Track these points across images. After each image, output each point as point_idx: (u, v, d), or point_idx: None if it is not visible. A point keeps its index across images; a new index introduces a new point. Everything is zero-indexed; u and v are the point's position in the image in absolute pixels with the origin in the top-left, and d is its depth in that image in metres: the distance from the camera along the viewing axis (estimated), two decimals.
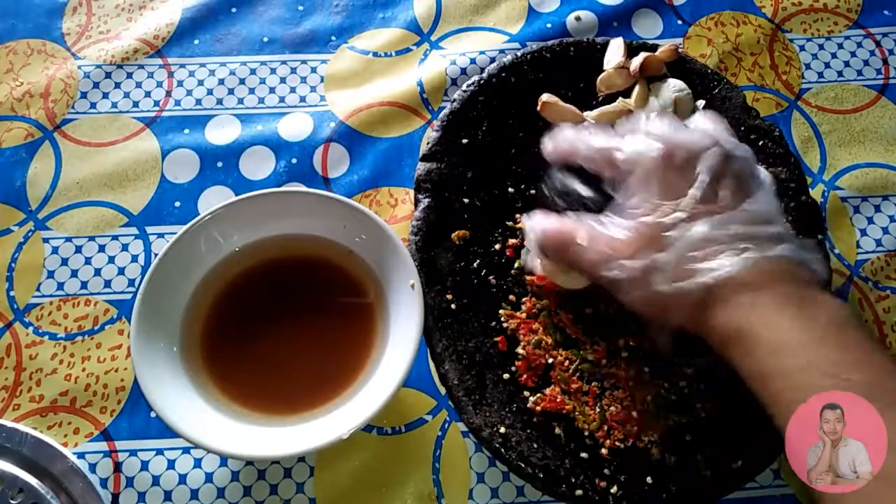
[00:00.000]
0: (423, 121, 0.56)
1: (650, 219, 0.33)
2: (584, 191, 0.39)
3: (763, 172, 0.36)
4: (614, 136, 0.37)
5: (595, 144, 0.37)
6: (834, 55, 0.59)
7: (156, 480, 0.44)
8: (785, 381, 0.30)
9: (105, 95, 0.56)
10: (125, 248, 0.51)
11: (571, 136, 0.39)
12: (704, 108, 0.49)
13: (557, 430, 0.41)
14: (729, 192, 0.33)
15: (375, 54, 0.59)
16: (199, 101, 0.56)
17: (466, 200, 0.47)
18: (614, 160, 0.36)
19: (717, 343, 0.33)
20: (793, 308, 0.31)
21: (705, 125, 0.38)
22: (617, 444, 0.40)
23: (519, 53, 0.51)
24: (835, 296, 0.32)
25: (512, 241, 0.46)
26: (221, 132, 0.55)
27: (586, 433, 0.41)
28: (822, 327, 0.31)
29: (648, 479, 0.39)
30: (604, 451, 0.40)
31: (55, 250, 0.50)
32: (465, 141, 0.48)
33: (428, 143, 0.48)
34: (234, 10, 0.60)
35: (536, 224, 0.39)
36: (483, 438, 0.40)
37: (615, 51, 0.51)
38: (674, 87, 0.49)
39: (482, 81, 0.50)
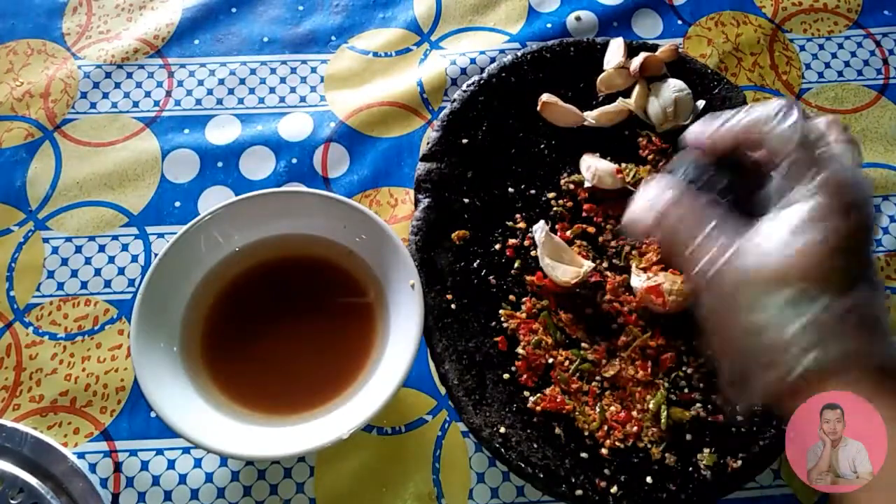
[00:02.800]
0: (423, 121, 0.56)
1: (810, 270, 0.30)
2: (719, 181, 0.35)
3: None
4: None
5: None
6: (834, 55, 0.59)
7: (156, 480, 0.44)
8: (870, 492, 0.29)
9: (105, 95, 0.56)
10: (125, 248, 0.51)
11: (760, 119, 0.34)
12: (704, 108, 0.49)
13: (557, 430, 0.41)
14: (858, 257, 0.31)
15: (375, 54, 0.59)
16: (199, 101, 0.56)
17: (466, 200, 0.47)
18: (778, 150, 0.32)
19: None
20: (884, 397, 0.29)
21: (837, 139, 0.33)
22: (617, 444, 0.40)
23: (519, 53, 0.51)
24: None
25: (512, 241, 0.46)
26: (221, 132, 0.55)
27: (586, 433, 0.41)
28: None
29: (648, 479, 0.39)
30: (604, 451, 0.40)
31: (55, 250, 0.50)
32: (465, 141, 0.48)
33: (428, 143, 0.48)
34: (234, 10, 0.60)
35: (661, 196, 0.34)
36: (483, 438, 0.40)
37: (615, 51, 0.51)
38: (674, 87, 0.49)
39: (482, 81, 0.50)
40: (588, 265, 0.43)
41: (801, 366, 0.29)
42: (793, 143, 0.32)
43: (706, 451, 0.40)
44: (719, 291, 0.32)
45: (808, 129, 0.32)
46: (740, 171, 0.35)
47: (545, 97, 0.48)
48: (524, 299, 0.44)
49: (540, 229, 0.44)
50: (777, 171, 0.33)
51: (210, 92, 0.57)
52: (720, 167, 0.36)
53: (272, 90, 0.57)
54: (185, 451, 0.45)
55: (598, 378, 0.42)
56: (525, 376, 0.42)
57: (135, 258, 0.50)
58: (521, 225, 0.46)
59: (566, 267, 0.43)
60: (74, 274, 0.50)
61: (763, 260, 0.30)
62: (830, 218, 0.30)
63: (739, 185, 0.35)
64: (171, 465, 0.44)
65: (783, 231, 0.31)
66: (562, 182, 0.48)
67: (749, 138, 0.34)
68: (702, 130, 0.36)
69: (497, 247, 0.46)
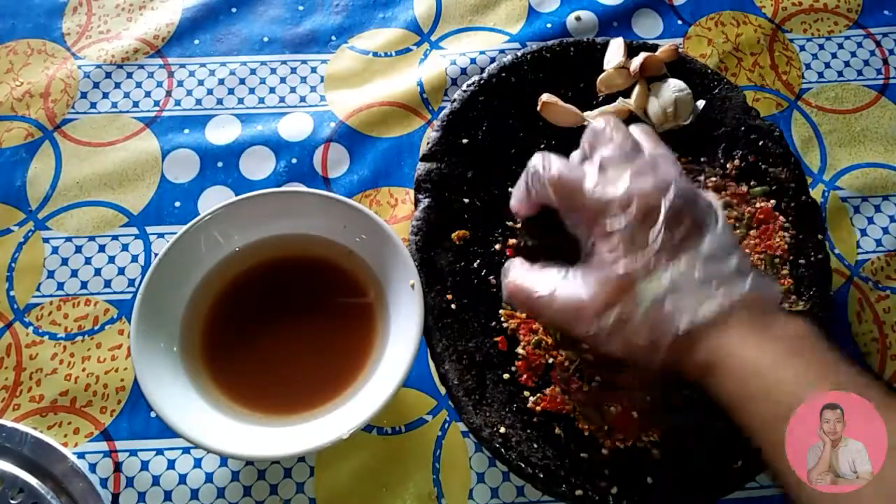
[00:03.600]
0: (423, 121, 0.56)
1: (616, 272, 0.34)
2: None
3: (711, 198, 0.37)
4: (564, 168, 0.37)
5: (550, 175, 0.37)
6: (834, 55, 0.59)
7: (156, 480, 0.44)
8: (756, 404, 0.32)
9: (105, 95, 0.56)
10: (125, 248, 0.51)
11: (525, 171, 0.39)
12: (705, 108, 0.49)
13: (557, 430, 0.41)
14: (686, 234, 0.34)
15: (375, 54, 0.59)
16: (199, 101, 0.56)
17: (466, 200, 0.47)
18: (569, 203, 0.36)
19: (696, 379, 0.34)
20: (756, 334, 0.32)
21: (648, 149, 0.37)
22: (617, 444, 0.40)
23: (519, 53, 0.51)
24: (794, 315, 0.34)
25: (512, 241, 0.46)
26: (221, 132, 0.55)
27: (586, 433, 0.41)
28: (785, 346, 0.32)
29: (648, 479, 0.39)
30: (604, 451, 0.40)
31: (55, 250, 0.50)
32: (465, 141, 0.48)
33: (428, 143, 0.48)
34: (234, 10, 0.60)
35: (508, 275, 0.39)
36: (483, 438, 0.40)
37: (615, 51, 0.51)
38: (674, 87, 0.49)
39: (482, 81, 0.50)
40: None
41: (674, 332, 0.33)
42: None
43: (706, 450, 0.40)
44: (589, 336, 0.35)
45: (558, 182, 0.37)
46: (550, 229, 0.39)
47: (545, 97, 0.48)
48: None
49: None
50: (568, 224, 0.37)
51: (210, 92, 0.57)
52: (534, 226, 0.41)
53: (272, 90, 0.57)
54: (185, 451, 0.45)
55: (597, 378, 0.42)
56: (525, 376, 0.42)
57: (135, 258, 0.50)
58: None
59: None
60: (74, 274, 0.50)
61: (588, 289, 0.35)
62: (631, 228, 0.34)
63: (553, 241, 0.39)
64: (171, 465, 0.44)
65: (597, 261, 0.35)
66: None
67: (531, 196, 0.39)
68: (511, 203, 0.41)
69: (497, 247, 0.46)
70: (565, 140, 0.49)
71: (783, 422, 0.30)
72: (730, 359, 0.32)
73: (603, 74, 0.50)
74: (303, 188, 0.52)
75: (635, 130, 0.39)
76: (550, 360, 0.42)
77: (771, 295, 0.34)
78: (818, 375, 0.31)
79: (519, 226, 0.46)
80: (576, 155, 0.40)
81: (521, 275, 0.38)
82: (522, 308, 0.40)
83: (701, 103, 0.49)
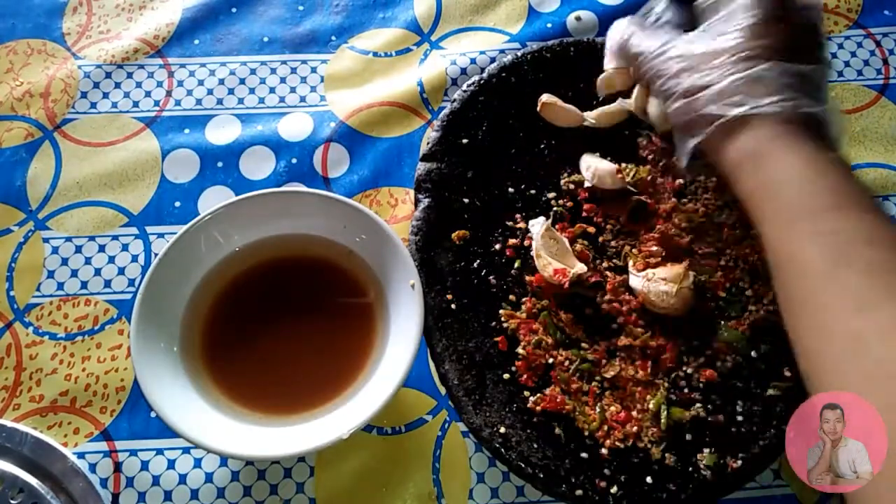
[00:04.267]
0: (423, 121, 0.56)
1: (724, 44, 0.36)
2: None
3: (826, 39, 0.40)
4: None
5: None
6: (834, 55, 0.59)
7: (156, 480, 0.44)
8: (776, 209, 0.34)
9: (105, 95, 0.56)
10: (125, 248, 0.51)
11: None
12: None
13: (557, 430, 0.41)
14: (800, 47, 0.36)
15: (375, 54, 0.59)
16: (199, 101, 0.56)
17: (466, 200, 0.47)
18: None
19: (728, 166, 0.36)
20: (805, 147, 0.34)
21: None
22: (617, 444, 0.40)
23: (519, 53, 0.51)
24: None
25: (512, 241, 0.46)
26: (221, 132, 0.55)
27: (586, 433, 0.41)
28: (820, 168, 0.34)
29: (648, 479, 0.39)
30: (604, 451, 0.40)
31: (55, 250, 0.50)
32: (465, 141, 0.48)
33: (428, 143, 0.48)
34: (234, 10, 0.60)
35: (616, 25, 0.43)
36: (483, 438, 0.40)
37: None
38: None
39: (482, 81, 0.50)
40: (580, 267, 0.43)
41: (732, 114, 0.35)
42: None
43: (706, 451, 0.40)
44: (670, 74, 0.39)
45: None
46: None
47: (545, 97, 0.48)
48: (524, 299, 0.44)
49: (539, 224, 0.44)
50: None
51: (210, 92, 0.57)
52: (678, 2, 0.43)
53: (272, 90, 0.57)
54: (185, 451, 0.45)
55: (598, 378, 0.42)
56: (525, 376, 0.42)
57: (135, 258, 0.50)
58: (521, 225, 0.46)
59: (558, 264, 0.43)
60: (74, 274, 0.50)
61: (708, 42, 0.38)
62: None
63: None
64: (171, 465, 0.44)
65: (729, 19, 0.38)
66: (562, 182, 0.48)
67: None
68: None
69: (497, 247, 0.46)
70: (565, 140, 0.49)
71: (797, 222, 0.33)
72: (769, 156, 0.34)
73: (602, 75, 0.50)
74: (303, 188, 0.52)
75: None
76: (550, 360, 0.42)
77: (828, 131, 0.36)
78: (832, 208, 0.33)
79: (520, 225, 0.46)
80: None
81: (635, 31, 0.42)
82: (620, 48, 0.43)
83: None
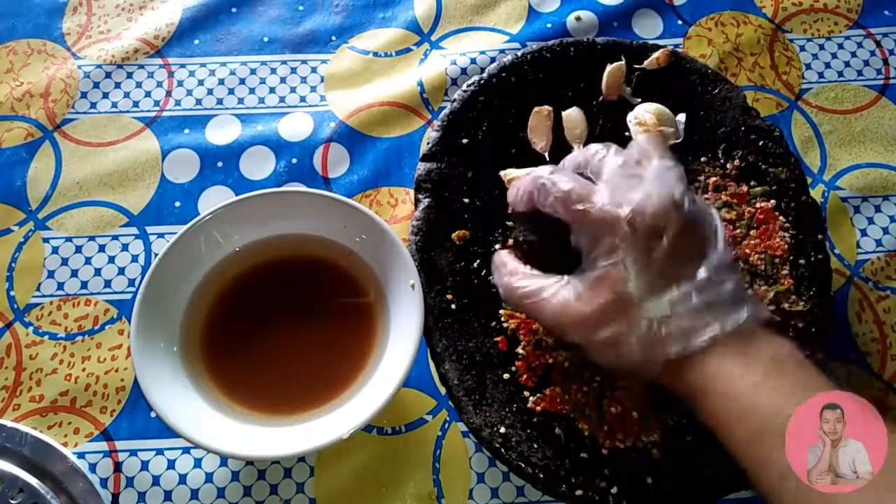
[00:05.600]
0: (423, 121, 0.56)
1: (617, 288, 0.34)
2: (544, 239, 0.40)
3: (713, 214, 0.37)
4: (574, 183, 0.37)
5: (560, 189, 0.37)
6: (834, 55, 0.59)
7: (156, 480, 0.44)
8: (738, 424, 0.32)
9: (105, 95, 0.56)
10: (125, 248, 0.51)
11: (533, 182, 0.39)
12: (704, 111, 0.49)
13: (557, 431, 0.41)
14: (688, 256, 0.35)
15: (375, 54, 0.59)
16: (199, 101, 0.56)
17: (466, 200, 0.47)
18: (578, 216, 0.36)
19: (685, 398, 0.35)
20: (741, 358, 0.33)
21: (655, 160, 0.37)
22: (617, 444, 0.40)
23: (519, 53, 0.51)
24: (778, 336, 0.34)
25: (512, 241, 0.46)
26: (221, 132, 0.55)
27: (586, 433, 0.41)
28: (766, 367, 0.33)
29: (648, 479, 0.39)
30: (604, 451, 0.40)
31: (55, 250, 0.50)
32: (465, 141, 0.48)
33: (428, 143, 0.48)
34: (234, 9, 0.60)
35: (502, 273, 0.39)
36: (483, 438, 0.40)
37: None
38: (644, 107, 0.48)
39: (482, 81, 0.50)
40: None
41: (668, 357, 0.34)
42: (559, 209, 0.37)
43: (706, 451, 0.40)
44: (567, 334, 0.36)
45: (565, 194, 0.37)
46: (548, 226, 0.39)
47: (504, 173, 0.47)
48: None
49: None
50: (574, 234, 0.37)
51: (210, 92, 0.57)
52: (532, 224, 0.40)
53: (272, 90, 0.57)
54: (185, 451, 0.45)
55: (598, 378, 0.42)
56: (525, 376, 0.42)
57: (135, 258, 0.50)
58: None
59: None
60: (74, 274, 0.50)
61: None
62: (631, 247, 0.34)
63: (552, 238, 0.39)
64: (171, 465, 0.44)
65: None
66: None
67: (536, 205, 0.39)
68: (512, 197, 0.41)
69: (497, 247, 0.46)
70: (565, 141, 0.49)
71: (763, 437, 0.31)
72: (716, 382, 0.33)
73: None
74: (303, 188, 0.52)
75: (643, 140, 0.39)
76: (550, 360, 0.42)
77: (760, 321, 0.34)
78: (797, 391, 0.32)
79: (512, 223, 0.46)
80: (576, 157, 0.40)
81: (517, 275, 0.38)
82: (517, 307, 0.40)
83: (681, 117, 0.49)
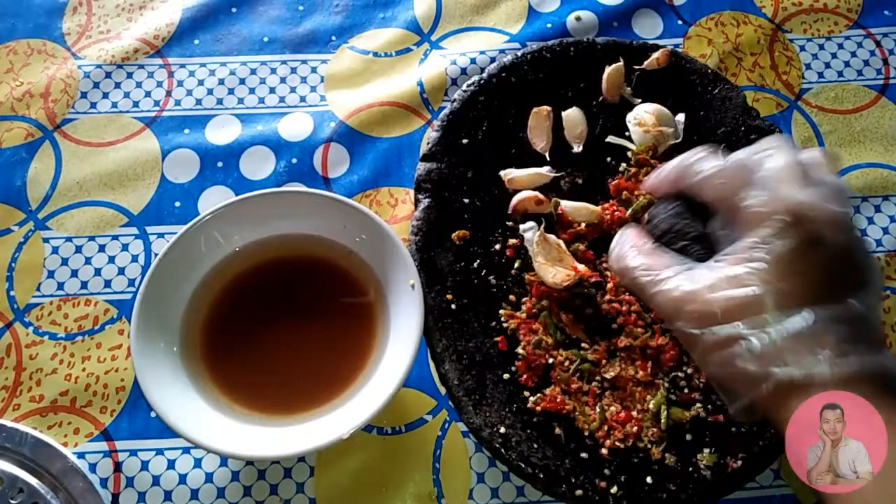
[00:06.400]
0: (423, 121, 0.56)
1: (753, 290, 0.31)
2: (691, 229, 0.36)
3: (873, 256, 0.34)
4: (735, 168, 0.34)
5: (717, 174, 0.34)
6: (834, 55, 0.59)
7: (156, 480, 0.44)
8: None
9: (105, 95, 0.56)
10: (125, 248, 0.51)
11: (684, 162, 0.36)
12: (704, 111, 0.49)
13: (557, 430, 0.41)
14: (838, 282, 0.31)
15: (375, 54, 0.59)
16: (199, 101, 0.56)
17: (466, 200, 0.47)
18: (733, 206, 0.33)
19: (784, 431, 0.32)
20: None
21: (830, 177, 0.33)
22: (617, 444, 0.40)
23: (519, 53, 0.51)
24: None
25: (512, 241, 0.46)
26: (221, 132, 0.55)
27: (586, 433, 0.41)
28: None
29: (648, 479, 0.39)
30: (604, 451, 0.40)
31: (55, 250, 0.50)
32: (465, 141, 0.48)
33: (428, 143, 0.48)
34: (234, 10, 0.60)
35: (624, 246, 0.37)
36: (483, 438, 0.40)
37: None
38: (644, 107, 0.48)
39: (482, 81, 0.50)
40: (581, 268, 0.43)
41: (777, 378, 0.30)
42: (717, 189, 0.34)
43: (706, 451, 0.40)
44: (683, 329, 0.33)
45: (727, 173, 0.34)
46: (708, 214, 0.36)
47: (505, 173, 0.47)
48: (524, 299, 0.44)
49: (532, 230, 0.44)
50: (718, 218, 0.35)
51: (210, 92, 0.57)
52: (692, 213, 0.37)
53: (272, 90, 0.57)
54: (185, 451, 0.45)
55: (598, 378, 0.42)
56: (525, 376, 0.42)
57: (135, 258, 0.50)
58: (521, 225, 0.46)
59: (558, 269, 0.43)
60: (74, 274, 0.50)
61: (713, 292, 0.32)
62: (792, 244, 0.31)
63: (709, 229, 0.36)
64: (171, 465, 0.44)
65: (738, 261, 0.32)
66: (562, 182, 0.48)
67: (683, 185, 0.36)
68: (649, 176, 0.38)
69: (497, 247, 0.46)
70: (565, 141, 0.49)
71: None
72: None
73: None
74: (303, 188, 0.52)
75: (819, 153, 0.35)
76: (550, 360, 0.42)
77: (891, 374, 0.31)
78: None
79: (520, 225, 0.45)
80: (738, 153, 0.36)
81: (638, 251, 0.36)
82: (626, 284, 0.37)
83: (681, 116, 0.49)
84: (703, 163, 0.36)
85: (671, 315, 0.34)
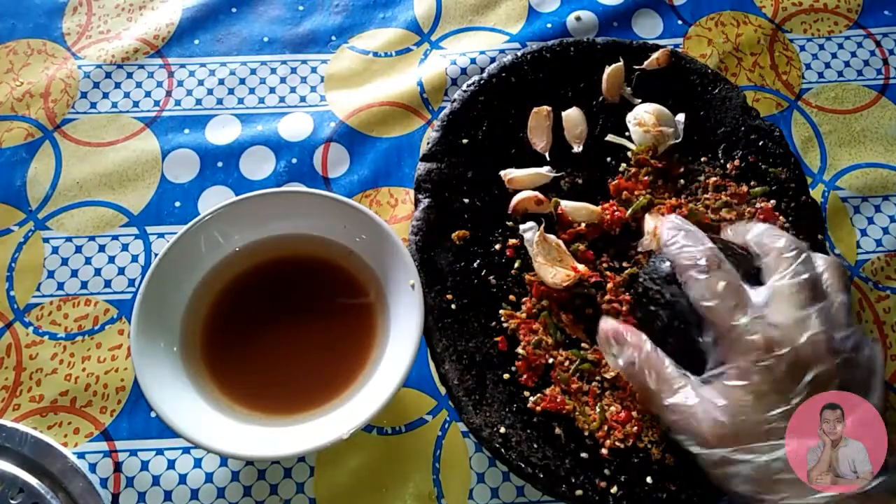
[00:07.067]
0: (423, 121, 0.56)
1: (754, 417, 0.32)
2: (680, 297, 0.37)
3: (877, 359, 0.34)
4: (731, 296, 0.35)
5: (712, 291, 0.35)
6: (834, 55, 0.59)
7: (156, 480, 0.44)
8: None
9: (105, 95, 0.56)
10: (125, 248, 0.51)
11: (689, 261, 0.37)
12: (704, 111, 0.49)
13: (557, 430, 0.41)
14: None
15: (375, 54, 0.59)
16: (199, 101, 0.56)
17: (466, 200, 0.47)
18: (724, 324, 0.34)
19: None
20: None
21: (833, 292, 0.34)
22: (617, 444, 0.40)
23: (519, 53, 0.51)
24: None
25: (512, 241, 0.46)
26: (221, 132, 0.55)
27: (586, 433, 0.41)
28: None
29: (648, 479, 0.39)
30: (604, 451, 0.40)
31: (55, 250, 0.50)
32: (465, 141, 0.48)
33: (428, 143, 0.48)
34: (234, 9, 0.60)
35: (638, 354, 0.38)
36: (483, 438, 0.40)
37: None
38: (644, 107, 0.48)
39: (482, 81, 0.50)
40: (581, 268, 0.43)
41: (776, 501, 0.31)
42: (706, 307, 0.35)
43: None
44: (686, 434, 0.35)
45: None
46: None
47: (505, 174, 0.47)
48: (524, 299, 0.44)
49: (532, 230, 0.44)
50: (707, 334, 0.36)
51: (210, 92, 0.57)
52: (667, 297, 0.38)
53: (272, 90, 0.57)
54: (185, 451, 0.45)
55: (598, 378, 0.42)
56: (525, 376, 0.42)
57: (135, 258, 0.50)
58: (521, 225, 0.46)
59: (558, 269, 0.43)
60: (74, 274, 0.50)
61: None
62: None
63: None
64: (171, 465, 0.44)
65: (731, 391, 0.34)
66: (562, 183, 0.48)
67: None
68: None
69: (497, 247, 0.46)
70: (565, 141, 0.49)
71: None
72: None
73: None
74: (303, 188, 0.52)
75: (834, 264, 0.36)
76: (550, 360, 0.42)
77: (891, 491, 0.31)
78: None
79: (520, 226, 0.45)
80: (761, 232, 0.38)
81: (651, 365, 0.37)
82: (639, 389, 0.39)
83: (681, 116, 0.49)
84: (709, 283, 0.35)
85: (686, 432, 0.36)
